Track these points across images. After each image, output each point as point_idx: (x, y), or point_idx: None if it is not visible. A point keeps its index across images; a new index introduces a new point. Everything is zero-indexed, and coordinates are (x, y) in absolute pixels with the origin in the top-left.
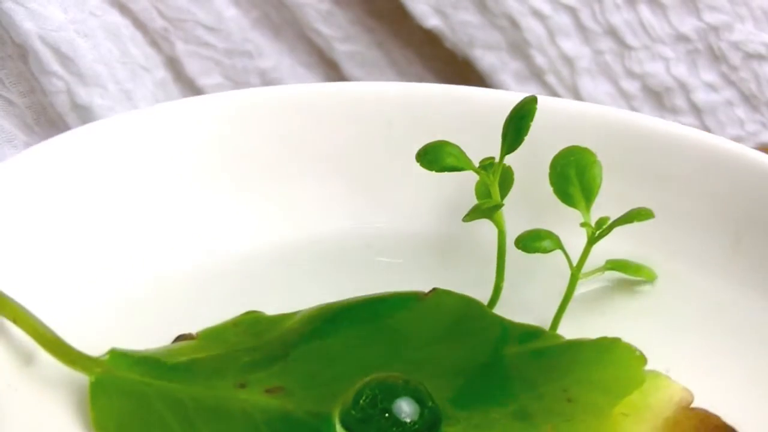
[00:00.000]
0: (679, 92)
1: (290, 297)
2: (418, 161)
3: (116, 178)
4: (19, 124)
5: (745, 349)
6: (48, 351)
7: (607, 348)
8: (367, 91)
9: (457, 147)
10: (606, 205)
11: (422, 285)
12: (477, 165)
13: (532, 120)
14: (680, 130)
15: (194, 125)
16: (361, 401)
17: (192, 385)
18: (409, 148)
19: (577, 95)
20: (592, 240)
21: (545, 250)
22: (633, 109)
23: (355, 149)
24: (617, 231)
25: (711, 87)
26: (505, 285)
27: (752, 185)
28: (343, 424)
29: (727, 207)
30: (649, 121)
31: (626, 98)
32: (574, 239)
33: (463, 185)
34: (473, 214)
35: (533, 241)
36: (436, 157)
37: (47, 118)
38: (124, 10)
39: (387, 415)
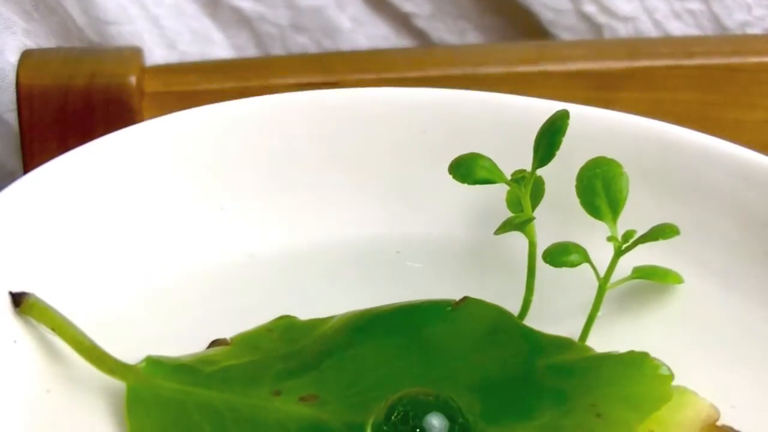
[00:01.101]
0: None
1: (323, 301)
2: (450, 173)
3: (143, 185)
4: (17, 10)
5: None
6: (86, 359)
7: (636, 363)
8: (402, 96)
9: (489, 159)
10: (635, 214)
11: (452, 293)
12: (509, 175)
13: (563, 135)
14: (713, 142)
15: (225, 127)
16: (393, 417)
17: (228, 393)
18: (442, 155)
19: None
20: (619, 253)
21: (572, 264)
22: None
23: (389, 155)
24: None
25: None
26: (535, 295)
27: None
28: None
29: (759, 224)
30: (681, 132)
31: None
32: (603, 248)
33: (494, 193)
34: (505, 227)
35: (561, 255)
36: (468, 170)
37: (46, 5)
38: None
39: (419, 431)
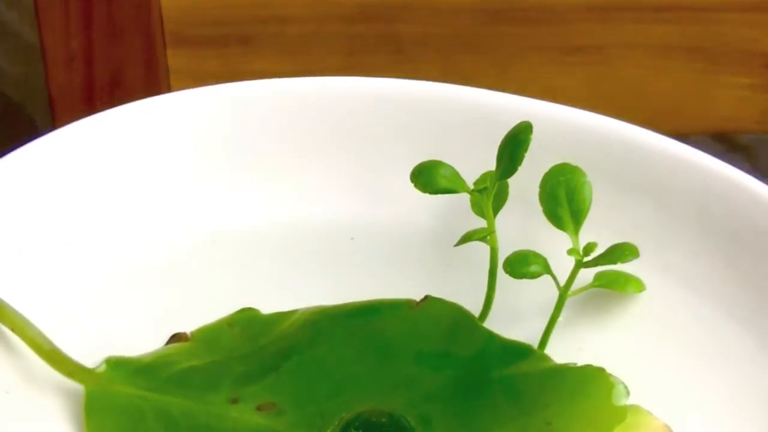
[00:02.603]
0: None
1: (284, 291)
2: (412, 181)
3: (102, 175)
4: None
5: (730, 378)
6: (45, 361)
7: (592, 379)
8: (372, 86)
9: (451, 168)
10: (598, 218)
11: (414, 286)
12: (476, 175)
13: (526, 150)
14: (680, 149)
15: (188, 118)
16: None
17: (186, 399)
18: (411, 147)
19: None
20: (579, 265)
21: (532, 276)
22: None
23: (357, 144)
24: (608, 243)
25: None
26: (497, 295)
27: (749, 213)
28: None
29: (722, 231)
30: (648, 136)
31: None
32: (566, 250)
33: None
34: (465, 240)
35: (521, 266)
36: (429, 178)
37: None
38: None
39: None
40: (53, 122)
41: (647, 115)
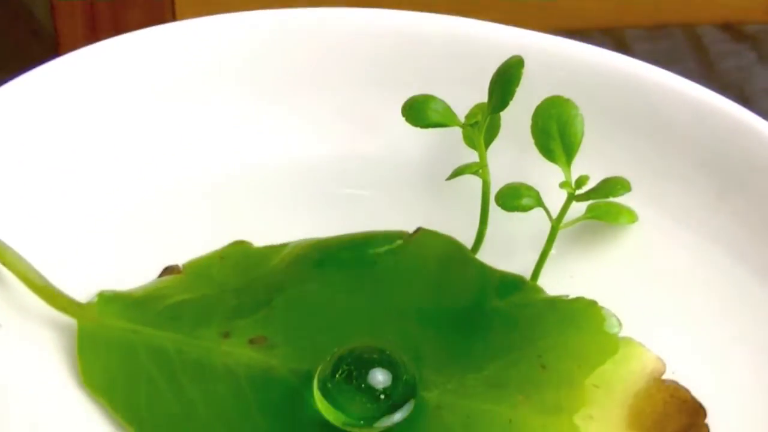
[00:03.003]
0: None
1: (276, 224)
2: (403, 115)
3: (93, 109)
4: None
5: (723, 309)
6: (37, 295)
7: (584, 312)
8: (363, 18)
9: (442, 102)
10: (591, 150)
11: (406, 219)
12: (467, 107)
13: (517, 86)
14: (672, 81)
15: (176, 51)
16: (338, 375)
17: (178, 333)
18: (403, 81)
19: None
20: (571, 198)
21: (524, 209)
22: None
23: (348, 77)
24: (600, 176)
25: None
26: (490, 226)
27: (740, 145)
28: (321, 392)
29: (713, 163)
30: (641, 69)
31: None
32: (558, 185)
33: None
34: (457, 173)
35: (513, 199)
36: (420, 113)
37: None
38: None
39: (362, 390)
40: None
41: (655, 5)
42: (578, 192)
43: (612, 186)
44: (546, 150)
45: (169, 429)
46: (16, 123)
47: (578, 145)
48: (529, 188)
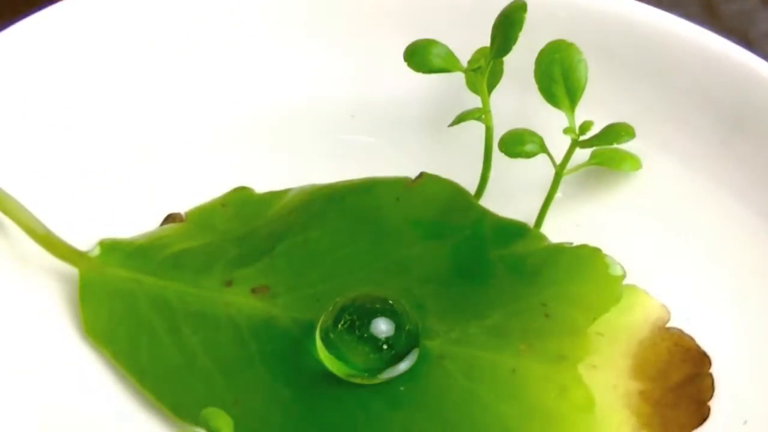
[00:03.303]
0: None
1: (280, 170)
2: (405, 61)
3: (94, 54)
4: None
5: (727, 255)
6: (39, 244)
7: (588, 259)
8: None
9: (445, 47)
10: (595, 96)
11: (410, 164)
12: (471, 52)
13: (520, 29)
14: (677, 26)
15: None
16: (340, 325)
17: (180, 282)
18: (406, 25)
19: None
20: (575, 144)
21: (528, 155)
22: None
23: (350, 24)
24: (605, 122)
25: None
26: (492, 174)
27: (745, 89)
28: (324, 343)
29: (719, 108)
30: (645, 12)
31: None
32: (562, 131)
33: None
34: (459, 120)
35: (516, 145)
36: (423, 58)
37: None
38: None
39: (365, 340)
40: None
41: None
42: (582, 138)
43: (616, 132)
44: (549, 95)
45: (170, 378)
46: (16, 72)
47: (582, 89)
48: (533, 134)
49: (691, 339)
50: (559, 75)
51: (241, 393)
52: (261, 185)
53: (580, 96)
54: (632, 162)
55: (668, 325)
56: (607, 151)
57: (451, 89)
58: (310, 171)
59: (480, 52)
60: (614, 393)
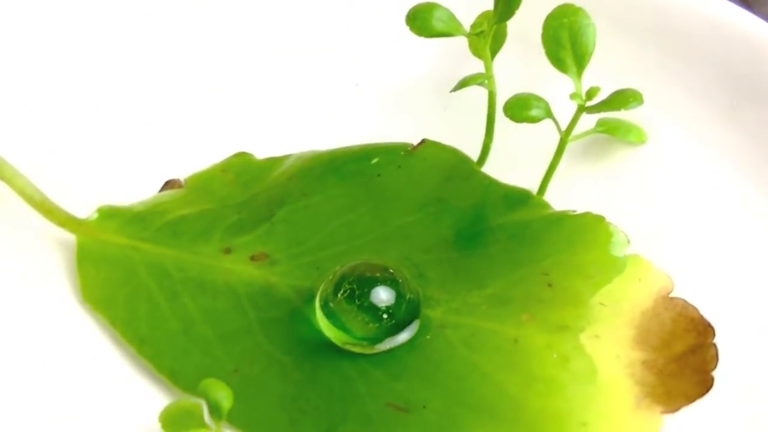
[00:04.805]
0: None
1: (281, 136)
2: (407, 25)
3: (85, 21)
4: None
5: (731, 228)
6: (36, 210)
7: (591, 227)
8: None
9: (447, 10)
10: (602, 62)
11: (412, 131)
12: (474, 16)
13: None
14: None
15: None
16: (340, 294)
17: (178, 250)
18: None
19: None
20: (581, 110)
21: (533, 120)
22: None
23: None
24: (611, 88)
25: None
26: (495, 140)
27: (753, 59)
28: (323, 311)
29: (726, 77)
30: None
31: None
32: (569, 93)
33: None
34: (462, 85)
35: (522, 110)
36: (425, 22)
37: None
38: None
39: (364, 309)
40: None
41: None
42: (588, 104)
43: (624, 98)
44: (556, 59)
45: (168, 345)
46: (12, 39)
47: (590, 54)
48: (539, 98)
49: (695, 309)
50: (566, 39)
51: (240, 361)
52: (262, 151)
53: (588, 61)
54: (638, 133)
55: (672, 295)
56: (613, 120)
57: (453, 54)
58: (311, 137)
59: (483, 16)
60: (617, 363)
